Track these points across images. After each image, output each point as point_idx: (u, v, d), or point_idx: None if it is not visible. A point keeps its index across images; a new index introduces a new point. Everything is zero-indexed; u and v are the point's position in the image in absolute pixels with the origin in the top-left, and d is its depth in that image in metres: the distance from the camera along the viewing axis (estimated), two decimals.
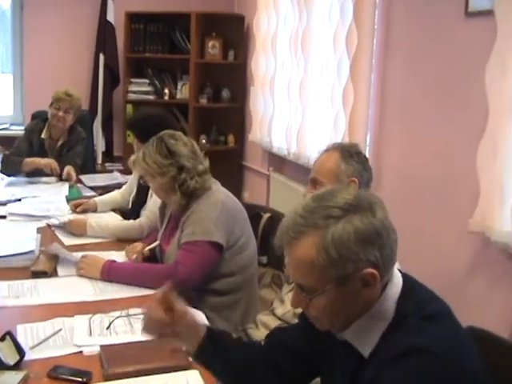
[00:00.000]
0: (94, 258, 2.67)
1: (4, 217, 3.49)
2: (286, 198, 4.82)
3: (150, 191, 3.30)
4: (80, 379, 1.78)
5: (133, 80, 6.21)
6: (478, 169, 2.75)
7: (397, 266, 2.14)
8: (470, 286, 2.97)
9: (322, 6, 4.25)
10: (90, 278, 2.59)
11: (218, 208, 2.65)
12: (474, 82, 2.83)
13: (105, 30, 6.10)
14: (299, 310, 1.61)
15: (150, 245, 2.94)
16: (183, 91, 6.17)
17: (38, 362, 1.87)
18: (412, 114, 3.46)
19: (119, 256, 2.90)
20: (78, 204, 3.63)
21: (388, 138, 3.70)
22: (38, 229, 3.14)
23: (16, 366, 1.80)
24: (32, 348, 1.94)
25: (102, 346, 1.95)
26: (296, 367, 1.68)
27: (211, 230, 2.60)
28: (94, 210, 3.65)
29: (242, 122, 6.28)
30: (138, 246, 2.97)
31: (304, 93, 4.52)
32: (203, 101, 6.14)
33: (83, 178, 4.49)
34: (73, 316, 2.18)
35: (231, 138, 6.31)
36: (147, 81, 6.21)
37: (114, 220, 3.46)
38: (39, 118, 4.69)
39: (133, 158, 2.94)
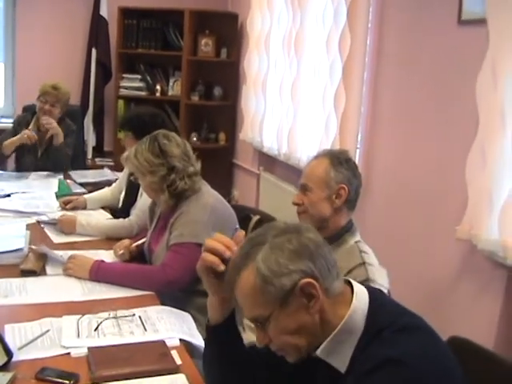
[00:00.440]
0: (83, 258, 2.67)
1: None
2: (276, 198, 4.85)
3: (141, 190, 3.31)
4: (67, 381, 1.78)
5: (125, 76, 6.21)
6: (467, 177, 2.77)
7: (384, 272, 2.19)
8: (456, 293, 3.00)
9: (316, 8, 4.26)
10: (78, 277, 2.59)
11: (208, 211, 2.66)
12: (466, 91, 2.85)
13: (98, 24, 6.09)
14: None
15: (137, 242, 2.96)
16: (175, 88, 6.17)
17: (26, 363, 1.87)
18: (403, 119, 3.48)
19: (108, 255, 2.91)
20: (67, 201, 3.63)
21: (379, 142, 3.72)
22: (27, 225, 3.13)
23: (4, 367, 1.80)
24: (20, 348, 1.94)
25: (89, 348, 1.95)
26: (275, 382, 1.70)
27: (199, 232, 2.60)
28: (84, 208, 3.64)
29: (233, 121, 6.29)
30: (125, 241, 2.99)
31: (296, 94, 4.53)
32: (195, 98, 6.15)
33: (73, 174, 4.47)
34: (61, 316, 2.17)
35: (222, 136, 6.31)
36: (139, 76, 6.21)
37: (103, 218, 3.45)
38: (29, 111, 4.68)
39: (125, 154, 2.95)
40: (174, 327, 2.17)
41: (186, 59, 5.99)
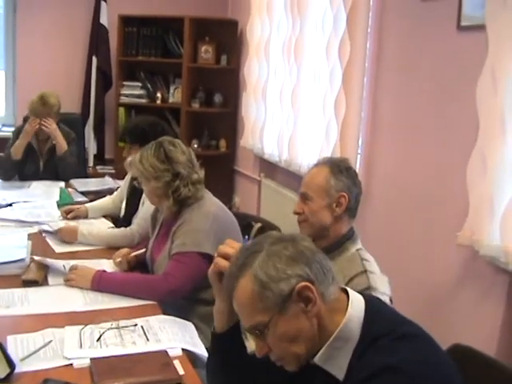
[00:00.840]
0: (84, 268, 2.67)
1: None
2: (277, 204, 4.85)
3: (142, 199, 3.31)
4: None
5: (125, 83, 6.22)
6: (468, 183, 2.77)
7: (386, 280, 2.19)
8: (458, 299, 2.99)
9: (316, 15, 4.27)
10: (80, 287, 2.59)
11: (210, 219, 2.66)
12: (466, 96, 2.85)
13: (98, 32, 6.10)
14: None
15: (136, 251, 2.97)
16: (175, 95, 6.18)
17: (28, 374, 1.87)
18: (404, 125, 3.49)
19: (110, 264, 2.91)
20: (69, 210, 3.63)
21: (379, 148, 3.72)
22: (28, 235, 3.14)
23: (6, 379, 1.80)
24: (22, 360, 1.94)
25: (92, 359, 1.95)
26: None
27: (201, 241, 2.61)
28: (85, 217, 3.65)
29: (233, 127, 6.30)
30: (123, 250, 2.99)
31: (296, 100, 4.54)
32: (195, 105, 6.16)
33: (74, 182, 4.47)
34: (63, 327, 2.17)
35: (223, 143, 6.32)
36: (140, 84, 6.22)
37: (105, 228, 3.45)
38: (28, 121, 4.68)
39: (129, 159, 2.95)
40: (176, 337, 2.17)
41: (186, 66, 6.01)
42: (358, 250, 2.23)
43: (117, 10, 6.03)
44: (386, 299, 2.02)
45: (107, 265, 2.89)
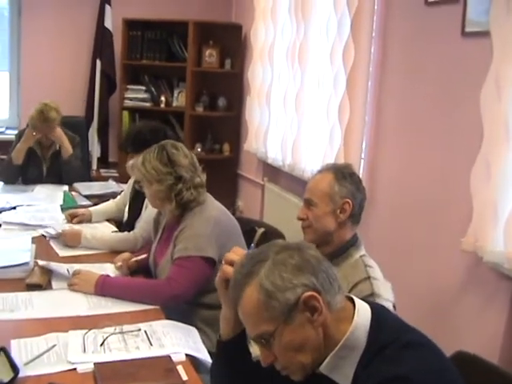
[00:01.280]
0: (88, 273, 2.67)
1: None
2: (280, 208, 4.85)
3: (145, 203, 3.31)
4: None
5: (129, 87, 6.22)
6: (472, 189, 2.77)
7: (389, 286, 2.19)
8: (461, 305, 2.99)
9: (320, 19, 4.28)
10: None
11: (211, 224, 2.67)
12: (470, 102, 2.84)
13: (102, 36, 6.10)
14: None
15: (138, 256, 2.98)
16: (179, 99, 6.18)
17: (32, 379, 1.88)
18: (408, 130, 3.49)
19: (113, 268, 2.91)
20: (73, 214, 3.63)
21: (383, 153, 3.72)
22: (32, 239, 3.14)
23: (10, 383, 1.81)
24: (26, 364, 1.94)
25: (96, 364, 1.96)
26: None
27: (204, 245, 2.62)
28: (89, 220, 3.65)
29: (237, 131, 6.30)
30: (124, 254, 3.00)
31: (300, 105, 4.54)
32: (199, 109, 6.16)
33: (78, 186, 4.47)
34: (67, 331, 2.18)
35: (226, 147, 6.32)
36: (144, 88, 6.22)
37: (108, 231, 3.46)
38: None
39: (131, 162, 2.95)
40: (179, 342, 2.17)
41: (190, 70, 6.01)
42: (361, 256, 2.23)
43: (121, 14, 6.04)
44: (389, 305, 2.02)
45: (110, 269, 2.89)
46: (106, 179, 5.14)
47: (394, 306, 2.13)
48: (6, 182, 4.45)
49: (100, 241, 3.21)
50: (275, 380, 1.64)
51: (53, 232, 3.27)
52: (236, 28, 6.15)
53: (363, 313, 1.48)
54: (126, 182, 3.91)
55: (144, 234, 3.22)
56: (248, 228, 3.15)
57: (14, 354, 1.97)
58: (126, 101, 6.20)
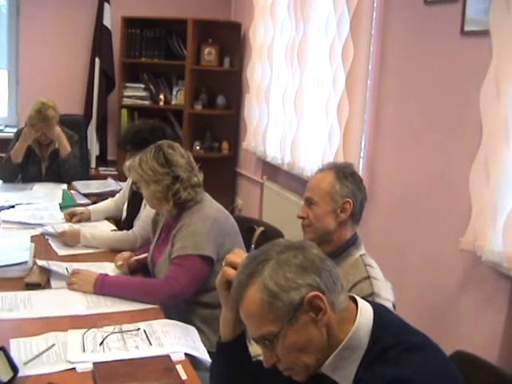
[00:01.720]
0: (86, 272, 2.67)
1: None
2: (279, 207, 4.85)
3: (144, 201, 3.31)
4: None
5: (128, 85, 6.21)
6: (471, 188, 2.76)
7: (389, 286, 2.19)
8: (460, 304, 2.99)
9: (319, 18, 4.27)
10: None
11: (209, 222, 2.67)
12: (470, 101, 2.85)
13: (101, 34, 6.09)
14: None
15: (138, 255, 2.97)
16: (178, 97, 6.18)
17: (31, 378, 1.88)
18: (407, 129, 3.48)
19: (112, 267, 2.91)
20: (72, 213, 3.62)
21: (382, 152, 3.71)
22: (31, 237, 3.14)
23: (9, 383, 1.81)
24: (25, 364, 1.94)
25: (95, 363, 1.96)
26: None
27: (202, 244, 2.62)
28: (88, 219, 3.65)
29: (236, 130, 6.30)
30: (125, 253, 3.00)
31: (299, 103, 4.54)
32: (198, 107, 6.15)
33: (77, 184, 4.47)
34: (66, 330, 2.18)
35: (225, 145, 6.31)
36: (142, 86, 6.21)
37: (107, 230, 3.46)
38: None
39: (128, 163, 2.94)
40: (179, 341, 2.17)
41: (189, 68, 6.00)
42: (361, 255, 2.23)
43: (120, 12, 6.03)
44: (389, 305, 2.02)
45: (110, 268, 2.90)
46: (104, 177, 5.14)
47: (394, 306, 2.13)
48: (5, 181, 4.45)
49: (99, 240, 3.21)
50: (276, 381, 1.64)
51: (51, 231, 3.27)
52: (235, 26, 6.15)
53: (366, 313, 1.47)
54: (125, 180, 3.91)
55: (143, 233, 3.22)
56: (247, 227, 3.15)
57: (13, 354, 1.97)
58: (125, 99, 6.18)
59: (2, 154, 4.62)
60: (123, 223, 3.59)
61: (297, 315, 1.40)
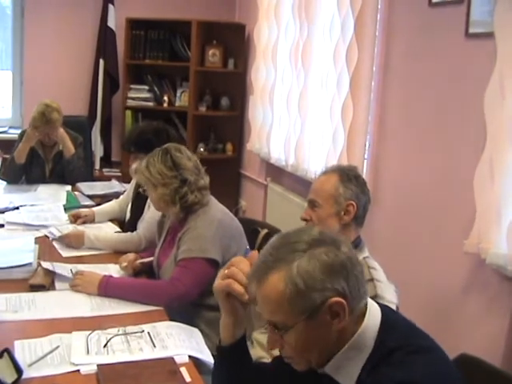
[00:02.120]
0: (91, 274, 2.67)
1: (1, 225, 3.48)
2: (283, 208, 4.85)
3: (148, 202, 3.31)
4: None
5: (132, 86, 6.20)
6: (475, 191, 2.76)
7: (392, 288, 2.19)
8: (464, 307, 2.99)
9: (323, 19, 4.27)
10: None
11: (215, 225, 2.68)
12: (474, 103, 2.84)
13: (105, 35, 6.09)
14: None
15: (144, 258, 2.97)
16: (182, 98, 6.17)
17: (36, 380, 1.88)
18: (411, 131, 3.48)
19: (116, 269, 2.92)
20: (76, 215, 3.63)
21: (386, 154, 3.71)
22: (35, 239, 3.15)
23: None
24: (29, 365, 1.95)
25: (99, 366, 1.96)
26: None
27: (207, 247, 2.63)
28: (92, 221, 3.65)
29: (240, 131, 6.30)
30: (130, 255, 2.99)
31: (303, 105, 4.54)
32: (202, 108, 6.15)
33: (81, 185, 4.47)
34: (70, 332, 2.18)
35: (229, 147, 6.31)
36: (147, 87, 6.21)
37: (111, 232, 3.46)
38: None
39: (134, 166, 2.94)
40: (183, 343, 2.17)
41: (193, 70, 6.00)
42: (364, 258, 2.23)
43: (124, 13, 6.03)
44: (392, 308, 2.01)
45: (114, 269, 2.90)
46: (108, 179, 5.13)
47: (397, 308, 2.13)
48: (9, 182, 4.45)
49: (103, 241, 3.22)
50: (277, 382, 1.65)
51: (56, 232, 3.28)
52: (239, 28, 6.15)
53: (374, 314, 1.46)
54: (129, 182, 3.91)
55: (147, 234, 3.22)
56: (251, 229, 3.15)
57: (18, 355, 1.97)
58: (129, 100, 6.18)
59: (7, 155, 4.63)
60: (127, 224, 3.59)
61: (314, 315, 1.38)
